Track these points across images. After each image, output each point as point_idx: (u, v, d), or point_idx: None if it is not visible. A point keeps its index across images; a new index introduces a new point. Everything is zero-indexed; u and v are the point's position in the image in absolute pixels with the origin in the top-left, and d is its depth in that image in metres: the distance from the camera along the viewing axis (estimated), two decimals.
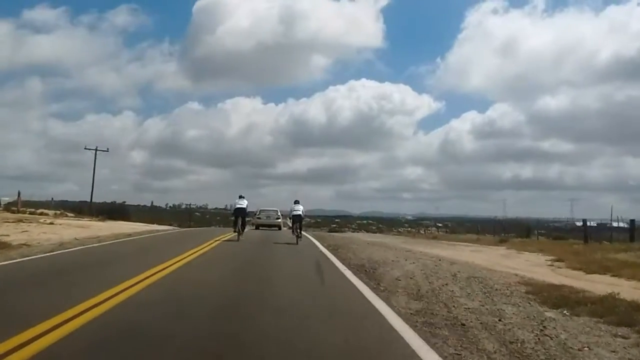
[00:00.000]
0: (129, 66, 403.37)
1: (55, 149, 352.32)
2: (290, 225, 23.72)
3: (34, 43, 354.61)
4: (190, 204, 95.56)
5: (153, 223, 52.88)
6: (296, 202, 21.87)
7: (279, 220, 36.67)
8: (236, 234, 20.34)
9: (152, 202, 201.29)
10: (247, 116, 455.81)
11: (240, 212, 20.80)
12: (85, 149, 60.81)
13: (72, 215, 42.55)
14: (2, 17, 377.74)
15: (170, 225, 49.75)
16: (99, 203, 60.33)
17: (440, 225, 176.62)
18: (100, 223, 34.33)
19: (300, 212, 21.20)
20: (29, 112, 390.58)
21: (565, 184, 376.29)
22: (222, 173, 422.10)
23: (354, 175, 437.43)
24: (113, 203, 65.84)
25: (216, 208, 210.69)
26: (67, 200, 64.21)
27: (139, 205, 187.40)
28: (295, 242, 20.29)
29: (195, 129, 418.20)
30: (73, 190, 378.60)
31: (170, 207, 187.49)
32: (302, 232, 21.67)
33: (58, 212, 42.03)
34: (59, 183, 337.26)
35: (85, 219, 38.84)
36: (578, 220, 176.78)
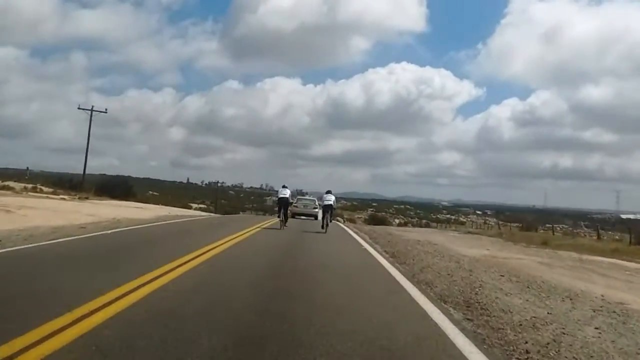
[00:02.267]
0: (171, 43, 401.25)
1: (95, 123, 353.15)
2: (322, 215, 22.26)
3: (79, 17, 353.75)
4: (218, 182, 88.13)
5: (170, 205, 45.07)
6: (328, 192, 21.38)
7: (316, 210, 34.87)
8: (279, 220, 20.34)
9: (187, 179, 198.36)
10: (285, 96, 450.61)
11: (283, 202, 20.40)
12: (79, 108, 51.61)
13: (47, 190, 34.44)
14: None
15: (200, 205, 42.21)
16: (97, 176, 52.96)
17: (479, 212, 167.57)
18: (75, 204, 26.06)
19: (331, 202, 20.75)
20: (72, 85, 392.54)
21: (606, 175, 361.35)
22: (258, 152, 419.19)
23: (389, 158, 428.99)
24: (116, 177, 55.86)
25: (251, 187, 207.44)
26: (46, 171, 55.30)
27: (174, 181, 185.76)
28: (324, 231, 19.59)
29: (234, 108, 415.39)
30: (113, 164, 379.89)
31: (205, 184, 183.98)
32: (345, 227, 22.22)
33: (29, 186, 33.87)
34: (98, 157, 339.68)
35: (62, 197, 30.70)
36: (624, 213, 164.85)
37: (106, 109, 52.58)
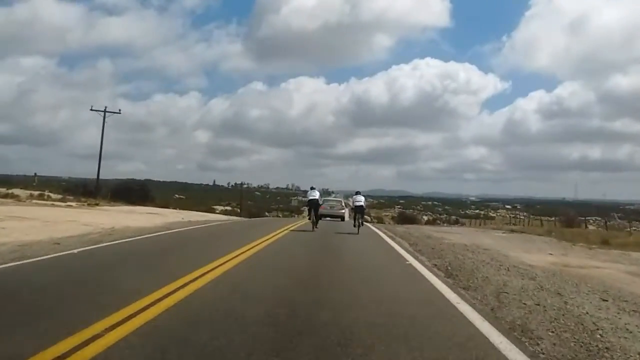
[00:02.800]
0: (196, 47, 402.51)
1: (122, 129, 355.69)
2: (353, 215, 21.65)
3: (105, 25, 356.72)
4: (243, 183, 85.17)
5: (189, 209, 42.51)
6: (357, 193, 21.40)
7: (343, 211, 34.26)
8: (310, 222, 20.25)
9: (214, 181, 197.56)
10: (309, 96, 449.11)
11: (313, 204, 20.37)
12: (91, 109, 48.99)
13: (55, 197, 32.09)
14: None
15: (225, 208, 39.92)
16: (119, 180, 50.56)
17: (509, 207, 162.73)
18: (78, 212, 23.55)
19: (362, 203, 20.55)
20: (99, 92, 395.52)
21: (636, 165, 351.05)
22: (284, 153, 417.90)
23: (415, 155, 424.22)
24: (132, 180, 52.45)
25: (277, 187, 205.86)
26: (75, 177, 52.96)
27: (201, 184, 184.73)
28: (357, 232, 19.22)
29: (259, 109, 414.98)
30: (140, 168, 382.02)
31: (232, 186, 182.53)
32: (376, 230, 21.05)
33: (35, 193, 31.50)
34: (125, 162, 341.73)
35: (69, 204, 28.32)
36: None
37: (120, 110, 50.41)
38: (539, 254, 14.36)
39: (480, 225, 64.41)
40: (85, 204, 30.27)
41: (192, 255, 10.63)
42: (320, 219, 25.24)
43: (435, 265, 10.20)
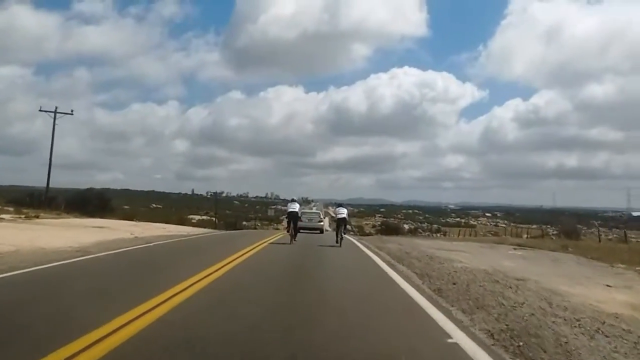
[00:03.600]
0: (174, 56, 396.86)
1: (100, 138, 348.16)
2: (335, 228, 20.74)
3: (82, 34, 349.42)
4: (218, 192, 79.61)
5: (162, 220, 37.78)
6: (339, 205, 20.52)
7: (322, 223, 33.09)
8: (288, 235, 19.29)
9: (192, 190, 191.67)
10: (288, 105, 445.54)
11: (293, 216, 19.40)
12: (40, 110, 44.65)
13: None
14: (52, 8, 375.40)
15: (202, 217, 35.88)
16: (64, 190, 45.06)
17: (489, 215, 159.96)
18: (6, 226, 18.77)
19: (345, 216, 19.48)
20: (76, 101, 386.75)
21: (613, 173, 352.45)
22: (262, 162, 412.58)
23: (394, 163, 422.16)
24: (90, 190, 46.09)
25: (257, 196, 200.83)
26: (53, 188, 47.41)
27: (179, 193, 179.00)
28: (339, 244, 18.28)
29: (238, 118, 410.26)
30: (119, 178, 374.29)
31: (210, 194, 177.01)
32: (360, 245, 18.94)
33: None
34: (103, 172, 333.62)
35: (3, 215, 23.48)
36: (635, 210, 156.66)
37: (72, 111, 45.19)
38: (596, 287, 10.21)
39: (467, 234, 60.70)
40: (23, 216, 25.55)
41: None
42: (298, 231, 22.77)
43: (491, 334, 5.84)
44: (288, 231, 19.22)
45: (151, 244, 16.70)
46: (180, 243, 18.54)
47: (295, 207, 19.65)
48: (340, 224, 19.27)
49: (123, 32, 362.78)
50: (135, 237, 18.88)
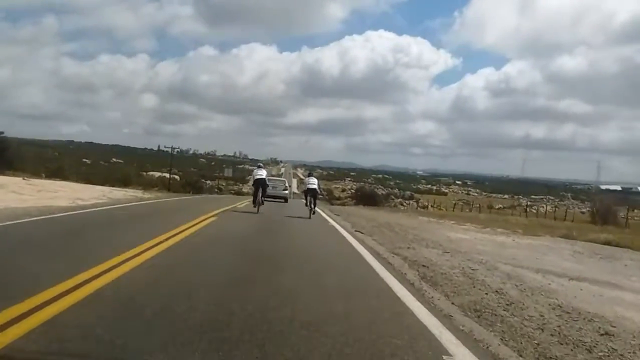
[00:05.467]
0: (146, 7, 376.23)
1: (67, 89, 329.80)
2: (304, 198, 18.76)
3: None
4: (174, 148, 68.52)
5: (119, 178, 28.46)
6: (310, 174, 19.34)
7: (286, 191, 30.84)
8: (253, 204, 17.04)
9: (158, 146, 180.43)
10: (261, 63, 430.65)
11: (260, 183, 17.22)
12: None
13: None
14: None
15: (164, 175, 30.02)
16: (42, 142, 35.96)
17: (459, 182, 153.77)
18: None
19: (315, 186, 17.60)
20: (43, 50, 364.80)
21: (579, 145, 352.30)
22: (233, 120, 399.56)
23: (364, 127, 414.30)
24: None
25: (225, 155, 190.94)
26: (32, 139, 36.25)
27: (145, 148, 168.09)
28: (308, 216, 16.06)
29: (209, 74, 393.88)
30: (84, 130, 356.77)
31: (178, 152, 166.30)
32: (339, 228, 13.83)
33: None
34: (69, 123, 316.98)
35: None
36: (603, 184, 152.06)
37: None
38: None
39: (464, 209, 53.12)
40: None
41: None
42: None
43: None
44: (254, 201, 17.22)
45: None
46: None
47: (262, 174, 17.65)
48: (311, 194, 17.23)
49: None
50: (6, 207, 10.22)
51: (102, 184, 35.97)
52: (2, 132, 31.83)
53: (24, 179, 21.18)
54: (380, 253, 7.91)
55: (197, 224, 10.11)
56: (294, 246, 8.65)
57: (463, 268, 6.73)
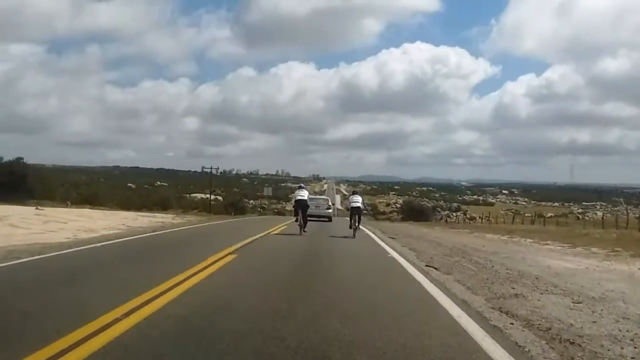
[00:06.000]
0: (185, 32, 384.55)
1: (111, 116, 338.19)
2: (349, 218, 17.22)
3: (94, 11, 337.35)
4: (212, 168, 65.69)
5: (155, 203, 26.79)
6: (354, 192, 18.49)
7: (330, 210, 29.17)
8: (297, 225, 16.51)
9: (202, 168, 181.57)
10: (299, 81, 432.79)
11: (302, 204, 16.80)
12: None
13: None
14: None
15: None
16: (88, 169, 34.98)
17: (506, 192, 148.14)
18: None
19: (359, 204, 16.99)
20: (88, 78, 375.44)
21: (625, 148, 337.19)
22: (273, 139, 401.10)
23: (405, 140, 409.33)
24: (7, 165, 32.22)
25: (267, 174, 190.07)
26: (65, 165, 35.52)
27: (189, 171, 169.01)
28: (352, 235, 15.54)
29: (248, 95, 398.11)
30: (130, 156, 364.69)
31: (220, 172, 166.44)
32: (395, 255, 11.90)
33: None
34: (114, 149, 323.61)
35: None
36: None
37: None
38: None
39: (489, 218, 49.44)
40: None
41: None
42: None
43: None
44: (297, 220, 16.93)
45: None
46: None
47: (304, 194, 17.33)
48: (355, 213, 16.68)
49: (134, 8, 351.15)
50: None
51: (139, 209, 34.45)
52: (1, 158, 30.10)
53: (37, 208, 19.53)
54: (482, 312, 5.19)
55: (209, 265, 7.69)
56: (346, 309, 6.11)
57: (633, 340, 4.12)
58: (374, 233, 18.20)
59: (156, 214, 26.05)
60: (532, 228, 30.15)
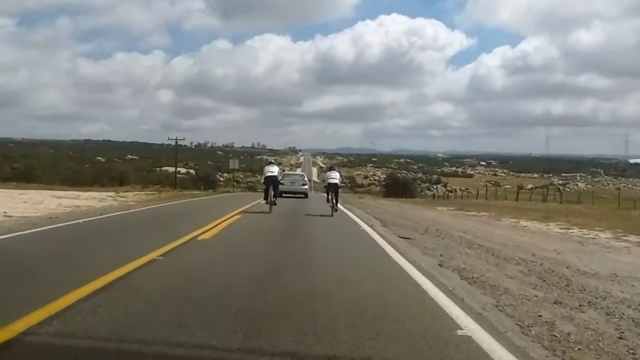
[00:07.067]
0: (158, 3, 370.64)
1: (84, 89, 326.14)
2: (326, 193, 16.63)
3: None
4: (178, 139, 59.05)
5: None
6: (331, 168, 17.37)
7: (305, 186, 28.67)
8: (267, 203, 15.61)
9: (176, 141, 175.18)
10: (275, 53, 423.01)
11: (272, 180, 15.92)
12: None
13: None
14: None
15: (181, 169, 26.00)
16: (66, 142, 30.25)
17: (483, 163, 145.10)
18: None
19: (337, 181, 16.05)
20: (60, 51, 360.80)
21: (600, 119, 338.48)
22: (249, 111, 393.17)
23: (382, 112, 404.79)
24: None
25: (242, 146, 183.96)
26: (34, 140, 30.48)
27: (162, 144, 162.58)
28: (330, 213, 14.66)
29: (224, 67, 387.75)
30: (104, 129, 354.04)
31: (195, 145, 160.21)
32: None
33: None
34: (88, 123, 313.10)
35: None
36: (632, 157, 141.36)
37: None
38: None
39: (485, 193, 45.47)
40: None
41: None
42: (281, 196, 20.09)
43: None
44: (266, 198, 15.67)
45: None
46: None
47: (274, 170, 16.01)
48: (332, 189, 15.42)
49: None
50: None
51: (90, 186, 30.05)
52: None
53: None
54: None
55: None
56: None
57: None
58: (370, 226, 11.85)
59: (94, 194, 21.23)
60: (524, 207, 26.25)
